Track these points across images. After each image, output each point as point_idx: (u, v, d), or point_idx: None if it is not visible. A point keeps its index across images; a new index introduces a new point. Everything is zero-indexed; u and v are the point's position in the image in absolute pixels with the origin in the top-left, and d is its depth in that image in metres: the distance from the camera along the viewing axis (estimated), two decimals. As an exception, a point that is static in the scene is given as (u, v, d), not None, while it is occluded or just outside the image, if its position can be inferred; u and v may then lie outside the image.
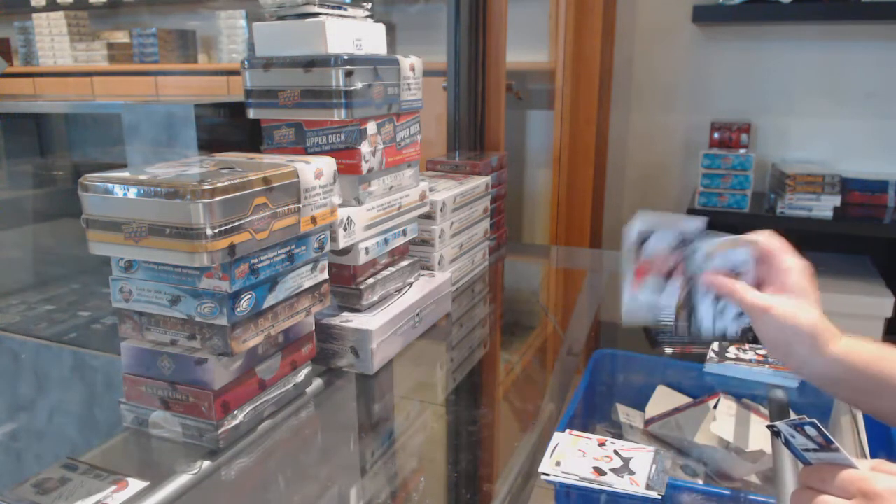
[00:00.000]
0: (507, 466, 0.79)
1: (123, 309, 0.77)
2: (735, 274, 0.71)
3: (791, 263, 0.68)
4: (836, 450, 0.49)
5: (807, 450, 0.51)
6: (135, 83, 3.56)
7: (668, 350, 1.12)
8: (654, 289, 0.73)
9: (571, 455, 0.66)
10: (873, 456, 0.81)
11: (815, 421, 0.49)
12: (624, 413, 0.91)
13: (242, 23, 3.45)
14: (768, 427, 0.53)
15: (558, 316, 1.35)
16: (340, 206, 0.94)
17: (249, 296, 0.75)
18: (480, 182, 1.40)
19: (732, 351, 0.98)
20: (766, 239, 0.70)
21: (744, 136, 2.41)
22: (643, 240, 0.73)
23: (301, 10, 0.94)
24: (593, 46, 2.30)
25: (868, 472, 0.49)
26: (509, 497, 0.73)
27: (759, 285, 0.70)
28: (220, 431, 0.76)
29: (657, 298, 0.73)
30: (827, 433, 0.49)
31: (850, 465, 0.49)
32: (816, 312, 0.66)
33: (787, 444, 0.53)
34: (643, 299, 0.74)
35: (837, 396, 0.72)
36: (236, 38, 3.47)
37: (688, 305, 0.73)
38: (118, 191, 0.70)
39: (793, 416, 0.61)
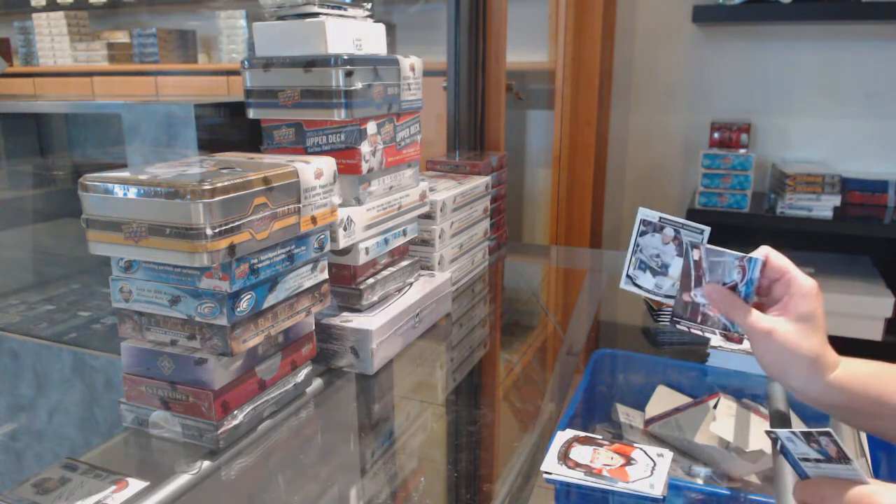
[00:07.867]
0: (507, 466, 0.79)
1: (123, 309, 0.77)
2: (733, 286, 0.68)
3: (801, 286, 0.65)
4: (849, 462, 0.46)
5: (807, 460, 0.48)
6: (135, 83, 3.56)
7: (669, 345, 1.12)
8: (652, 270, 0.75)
9: (572, 455, 0.66)
10: (874, 458, 0.81)
11: (831, 430, 0.46)
12: (624, 413, 0.91)
13: (242, 23, 3.45)
14: (767, 433, 0.51)
15: (558, 316, 1.35)
16: (340, 206, 0.94)
17: (249, 296, 0.75)
18: (480, 182, 1.40)
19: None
20: (776, 256, 0.67)
21: (744, 136, 2.41)
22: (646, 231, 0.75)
23: (301, 10, 0.94)
24: (593, 46, 2.30)
25: (875, 486, 0.44)
26: (509, 497, 0.73)
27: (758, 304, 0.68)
28: (220, 431, 0.76)
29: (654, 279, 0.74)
30: (842, 445, 0.46)
31: (860, 481, 0.45)
32: (818, 339, 0.64)
33: (784, 451, 0.50)
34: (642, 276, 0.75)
35: (836, 418, 0.70)
36: (236, 38, 3.48)
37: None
38: (118, 191, 0.70)
39: (794, 419, 0.60)
